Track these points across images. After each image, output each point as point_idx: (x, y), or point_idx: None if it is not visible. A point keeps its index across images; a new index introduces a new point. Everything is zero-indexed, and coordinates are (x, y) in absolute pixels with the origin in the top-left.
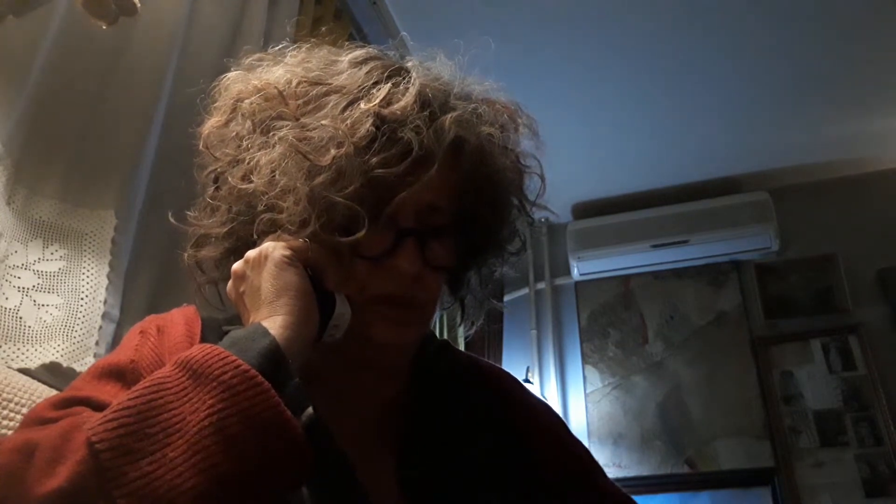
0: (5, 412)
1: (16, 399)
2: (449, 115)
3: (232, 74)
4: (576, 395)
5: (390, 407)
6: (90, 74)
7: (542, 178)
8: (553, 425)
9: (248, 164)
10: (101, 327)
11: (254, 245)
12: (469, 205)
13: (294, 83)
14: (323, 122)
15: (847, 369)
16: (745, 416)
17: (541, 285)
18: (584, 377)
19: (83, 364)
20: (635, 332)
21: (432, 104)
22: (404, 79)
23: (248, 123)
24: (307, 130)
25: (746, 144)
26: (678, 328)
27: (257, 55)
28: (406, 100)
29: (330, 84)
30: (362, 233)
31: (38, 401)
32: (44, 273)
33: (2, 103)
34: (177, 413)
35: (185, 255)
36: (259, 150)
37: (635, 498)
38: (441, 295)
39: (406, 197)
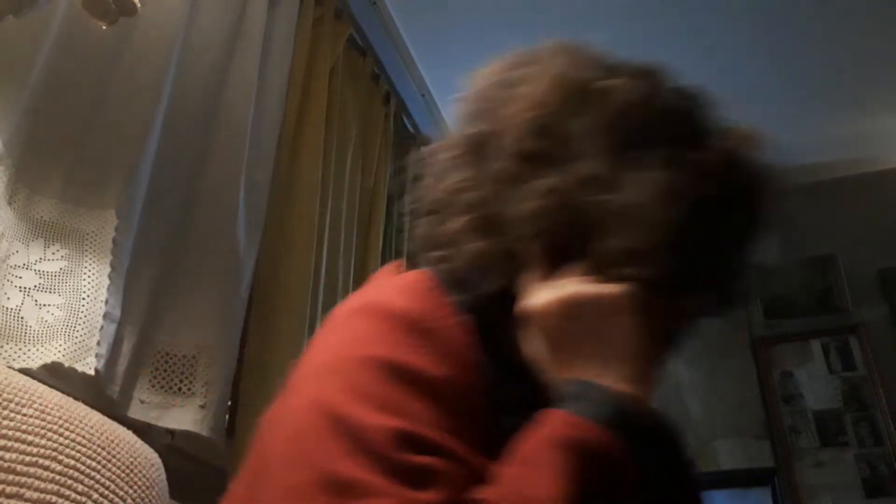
0: (6, 412)
1: (16, 399)
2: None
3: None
4: None
5: None
6: (90, 74)
7: None
8: None
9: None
10: (102, 327)
11: (542, 267)
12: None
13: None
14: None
15: (847, 369)
16: (745, 416)
17: None
18: None
19: (85, 364)
20: None
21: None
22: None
23: (564, 113)
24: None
25: None
26: None
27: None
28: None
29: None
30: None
31: (39, 401)
32: (45, 273)
33: (2, 103)
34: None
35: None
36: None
37: None
38: None
39: None
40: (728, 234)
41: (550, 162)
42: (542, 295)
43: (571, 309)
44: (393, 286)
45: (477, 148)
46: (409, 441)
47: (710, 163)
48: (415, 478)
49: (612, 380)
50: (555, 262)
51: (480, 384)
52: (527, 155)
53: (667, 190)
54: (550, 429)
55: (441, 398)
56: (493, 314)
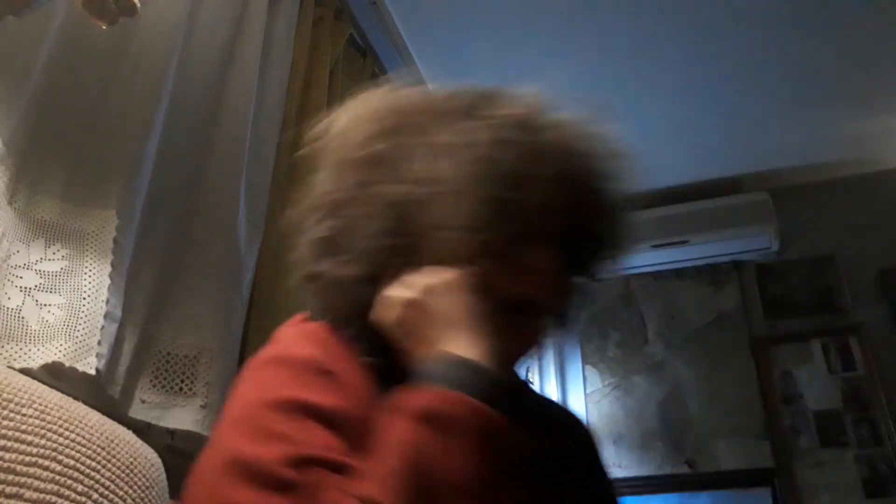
0: (6, 412)
1: (17, 399)
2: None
3: (365, 100)
4: (576, 396)
5: None
6: (91, 74)
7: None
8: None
9: (404, 173)
10: (103, 327)
11: (393, 273)
12: (592, 210)
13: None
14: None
15: (847, 369)
16: (745, 416)
17: None
18: (584, 377)
19: (85, 364)
20: (635, 332)
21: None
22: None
23: (394, 139)
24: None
25: (746, 144)
26: (678, 328)
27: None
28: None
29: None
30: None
31: (39, 401)
32: (46, 273)
33: (3, 103)
34: (448, 469)
35: (315, 268)
36: (422, 155)
37: (635, 498)
38: None
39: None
40: (543, 202)
41: (374, 183)
42: (386, 298)
43: (413, 302)
44: (296, 337)
45: (334, 206)
46: (297, 461)
47: (511, 141)
48: (296, 489)
49: (460, 351)
50: (401, 268)
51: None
52: (358, 183)
53: (470, 172)
54: (402, 403)
55: (335, 425)
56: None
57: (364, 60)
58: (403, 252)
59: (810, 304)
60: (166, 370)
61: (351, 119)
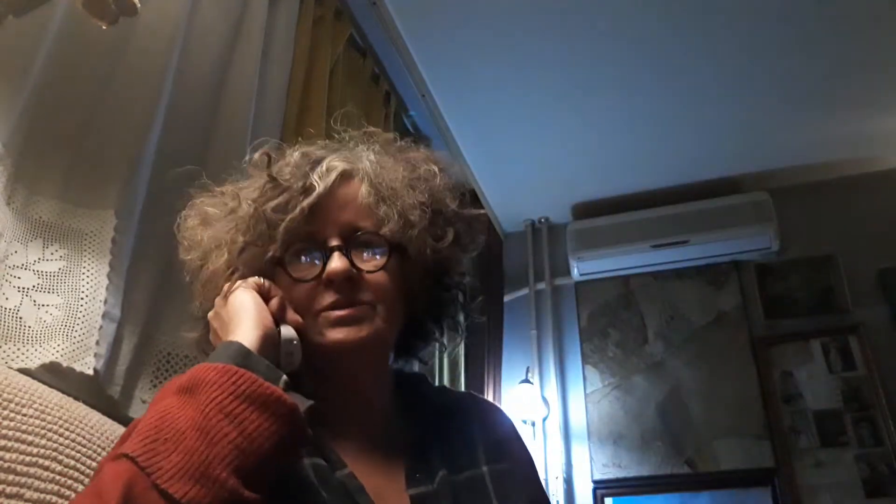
0: (5, 412)
1: (16, 399)
2: (328, 158)
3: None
4: (576, 396)
5: (390, 429)
6: (90, 74)
7: (443, 171)
8: (525, 449)
9: (194, 246)
10: (101, 327)
11: None
12: (389, 220)
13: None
14: (240, 191)
15: (847, 369)
16: (745, 416)
17: (541, 285)
18: (584, 377)
19: (83, 364)
20: (635, 332)
21: (313, 157)
22: (293, 153)
23: (196, 222)
24: (227, 203)
25: (746, 144)
26: (678, 328)
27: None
28: (293, 157)
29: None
30: (255, 252)
31: (39, 401)
32: (44, 273)
33: (2, 103)
34: (183, 417)
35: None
36: (199, 233)
37: (636, 498)
38: (393, 299)
39: (324, 220)
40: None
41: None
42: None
43: (214, 312)
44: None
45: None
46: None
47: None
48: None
49: (232, 338)
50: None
51: None
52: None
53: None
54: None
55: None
56: None
57: (364, 60)
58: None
59: (810, 304)
60: (166, 370)
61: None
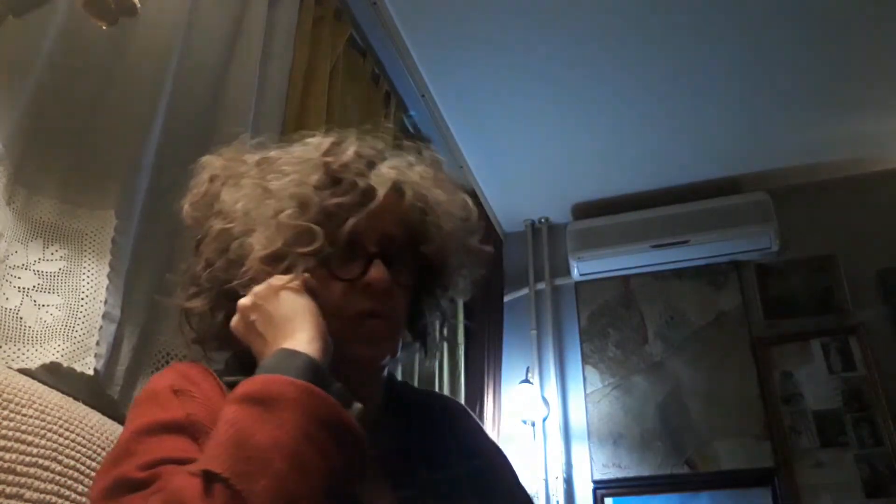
0: (6, 412)
1: (16, 399)
2: (383, 164)
3: (206, 157)
4: (576, 396)
5: (377, 431)
6: (90, 75)
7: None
8: (494, 443)
9: (224, 211)
10: (101, 327)
11: (236, 296)
12: (419, 234)
13: (257, 157)
14: (284, 167)
15: (847, 370)
16: (745, 416)
17: (541, 285)
18: (584, 377)
19: (84, 364)
20: (635, 332)
21: (366, 158)
22: (342, 143)
23: (219, 183)
24: (270, 178)
25: (746, 144)
26: (678, 328)
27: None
28: (348, 153)
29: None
30: (319, 244)
31: (39, 401)
32: (44, 273)
33: (2, 103)
34: (264, 434)
35: (179, 307)
36: (232, 198)
37: (636, 499)
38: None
39: (365, 225)
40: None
41: (212, 219)
42: (238, 308)
43: (249, 308)
44: (159, 375)
45: (195, 245)
46: (146, 465)
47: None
48: (145, 484)
49: (288, 343)
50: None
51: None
52: (199, 236)
53: (278, 207)
54: (232, 392)
55: (187, 431)
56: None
57: (364, 60)
58: (231, 276)
59: (810, 304)
60: None
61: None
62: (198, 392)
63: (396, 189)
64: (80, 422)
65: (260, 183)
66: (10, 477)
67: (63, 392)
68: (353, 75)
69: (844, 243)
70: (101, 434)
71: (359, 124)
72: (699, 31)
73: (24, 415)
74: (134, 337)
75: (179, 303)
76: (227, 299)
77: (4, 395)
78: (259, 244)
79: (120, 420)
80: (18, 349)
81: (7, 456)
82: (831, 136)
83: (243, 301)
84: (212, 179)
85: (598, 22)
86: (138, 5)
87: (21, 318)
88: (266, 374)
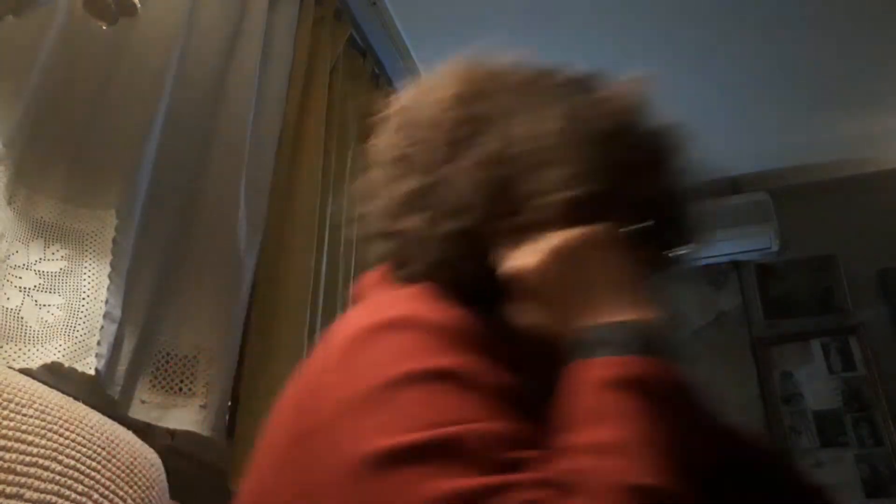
0: (6, 412)
1: (17, 399)
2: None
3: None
4: None
5: None
6: (91, 74)
7: None
8: None
9: (518, 126)
10: (102, 327)
11: (490, 230)
12: None
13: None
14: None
15: (847, 370)
16: (745, 416)
17: None
18: None
19: (85, 364)
20: None
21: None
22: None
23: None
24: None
25: (746, 144)
26: (678, 328)
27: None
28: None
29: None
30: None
31: (39, 401)
32: (45, 273)
33: (2, 103)
34: (668, 433)
35: (395, 226)
36: (529, 116)
37: None
38: None
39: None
40: (645, 161)
41: (472, 140)
42: (528, 255)
43: (564, 257)
44: (409, 298)
45: (422, 163)
46: (509, 442)
47: (605, 101)
48: (503, 466)
49: (622, 313)
50: (498, 226)
51: (513, 374)
52: (452, 140)
53: (568, 127)
54: (599, 375)
55: (494, 394)
56: (488, 302)
57: (364, 60)
58: (503, 209)
59: (810, 304)
60: (166, 370)
61: (436, 81)
62: (478, 341)
63: None
64: (81, 422)
65: (569, 107)
66: (10, 477)
67: (64, 392)
68: (353, 75)
69: (844, 243)
70: (102, 434)
71: (359, 124)
72: (698, 32)
73: (25, 415)
74: (134, 337)
75: (410, 226)
76: (484, 228)
77: (4, 395)
78: (569, 178)
79: (120, 420)
80: (19, 349)
81: (7, 456)
82: (831, 136)
83: (566, 245)
84: (475, 94)
85: (598, 25)
86: (138, 5)
87: (22, 317)
88: (621, 350)
